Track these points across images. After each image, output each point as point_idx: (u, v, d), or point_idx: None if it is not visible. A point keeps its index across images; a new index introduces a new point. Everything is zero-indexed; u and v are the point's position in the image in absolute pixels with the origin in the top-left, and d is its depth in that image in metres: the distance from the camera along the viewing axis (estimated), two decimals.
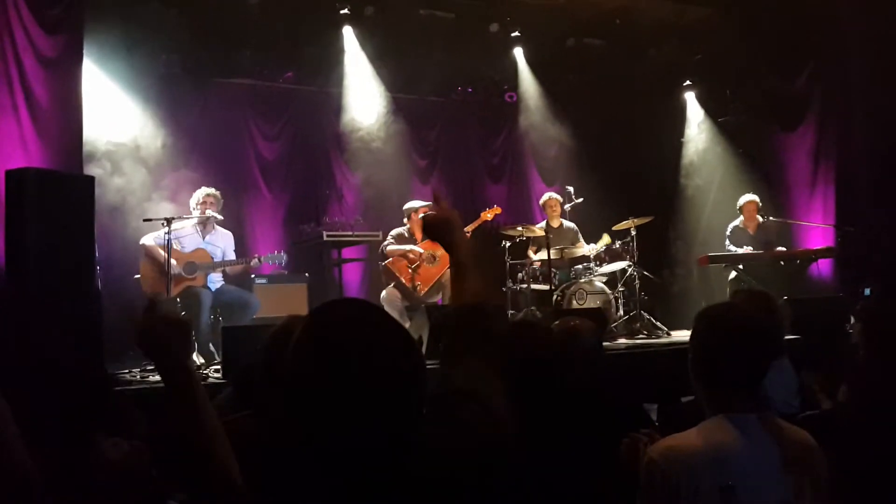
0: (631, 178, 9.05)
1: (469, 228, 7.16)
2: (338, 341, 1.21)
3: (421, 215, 6.65)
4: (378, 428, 1.18)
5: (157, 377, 4.72)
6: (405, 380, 1.22)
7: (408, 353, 1.25)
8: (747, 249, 7.67)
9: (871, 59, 7.71)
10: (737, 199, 8.14)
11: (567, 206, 7.89)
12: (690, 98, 9.65)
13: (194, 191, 6.36)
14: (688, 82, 9.58)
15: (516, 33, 8.58)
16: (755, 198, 7.93)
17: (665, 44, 9.00)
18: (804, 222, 8.34)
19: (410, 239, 7.10)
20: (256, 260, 6.30)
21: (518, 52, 8.83)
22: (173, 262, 5.72)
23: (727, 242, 7.88)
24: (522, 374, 2.40)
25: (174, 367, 1.51)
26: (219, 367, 5.00)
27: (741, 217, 7.94)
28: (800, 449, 1.92)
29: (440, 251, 7.00)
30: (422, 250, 6.99)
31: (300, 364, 1.22)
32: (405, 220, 7.20)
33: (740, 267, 7.59)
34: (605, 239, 7.52)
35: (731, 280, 7.61)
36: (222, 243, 6.33)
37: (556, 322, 3.09)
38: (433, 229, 1.85)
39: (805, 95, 8.63)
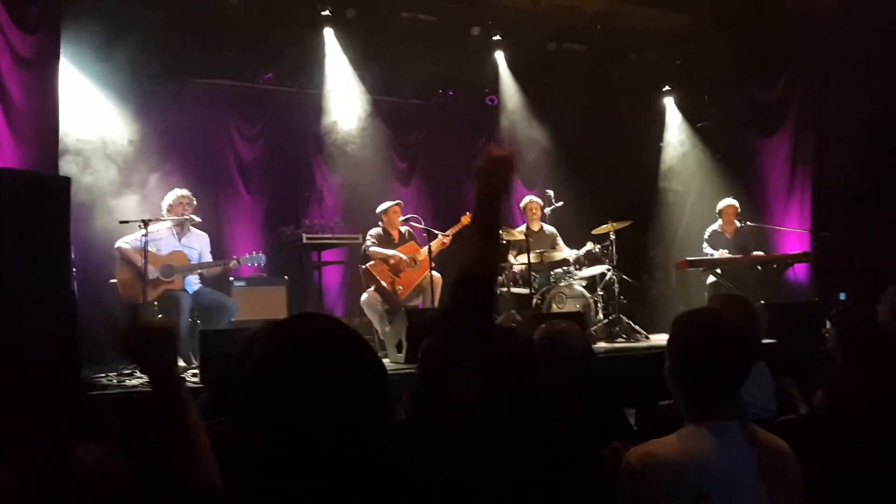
0: (611, 183, 9.10)
1: (450, 232, 7.16)
2: (295, 351, 1.22)
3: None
4: (337, 437, 1.19)
5: (135, 381, 4.72)
6: (364, 389, 1.22)
7: (366, 364, 1.25)
8: (723, 253, 7.73)
9: (847, 66, 7.81)
10: (715, 204, 8.21)
11: (547, 210, 7.92)
12: (670, 103, 9.73)
13: (171, 190, 6.30)
14: (667, 87, 9.66)
15: (497, 37, 8.61)
16: (734, 202, 8.01)
17: (645, 49, 9.08)
18: (781, 227, 8.42)
19: (388, 238, 7.10)
20: (235, 262, 6.24)
21: (499, 56, 8.86)
22: (150, 268, 5.66)
23: (704, 245, 7.94)
24: (500, 375, 2.39)
25: (160, 373, 1.53)
26: (196, 371, 4.96)
27: (720, 221, 8.01)
28: (776, 456, 1.93)
29: (421, 255, 6.99)
30: (403, 256, 6.98)
31: (257, 373, 1.23)
32: (379, 222, 7.20)
33: (718, 271, 7.66)
34: (589, 245, 7.56)
35: (710, 284, 7.67)
36: (198, 245, 6.27)
37: (543, 326, 3.08)
38: (489, 171, 1.82)
39: (783, 102, 8.73)
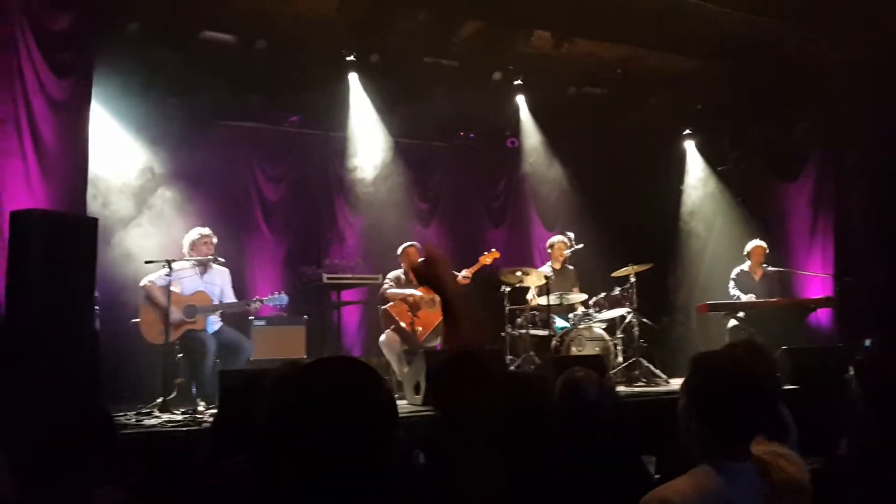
0: (631, 225, 9.10)
1: (468, 272, 7.17)
2: (304, 399, 1.28)
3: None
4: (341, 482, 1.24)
5: (153, 421, 4.74)
6: (373, 437, 1.28)
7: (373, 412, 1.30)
8: (751, 297, 7.66)
9: (867, 112, 7.81)
10: (736, 248, 8.17)
11: (567, 252, 7.92)
12: (690, 146, 9.75)
13: (192, 229, 6.39)
14: (687, 131, 9.69)
15: (519, 81, 8.71)
16: (763, 244, 7.97)
17: (665, 93, 9.14)
18: (803, 272, 8.35)
19: (408, 282, 7.12)
20: (258, 302, 6.30)
21: (520, 100, 8.96)
22: (173, 305, 5.72)
23: (731, 285, 7.87)
24: (516, 425, 2.39)
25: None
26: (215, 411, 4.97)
27: (748, 262, 7.96)
28: (790, 493, 1.94)
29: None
30: (421, 294, 7.00)
31: (267, 414, 1.30)
32: (401, 263, 7.23)
33: (740, 315, 7.60)
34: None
35: (731, 328, 7.61)
36: (220, 281, 6.33)
37: (563, 374, 3.08)
38: (420, 272, 1.88)
39: (804, 146, 8.72)
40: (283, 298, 6.35)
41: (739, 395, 1.92)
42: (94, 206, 6.17)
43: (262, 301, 6.29)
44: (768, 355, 3.63)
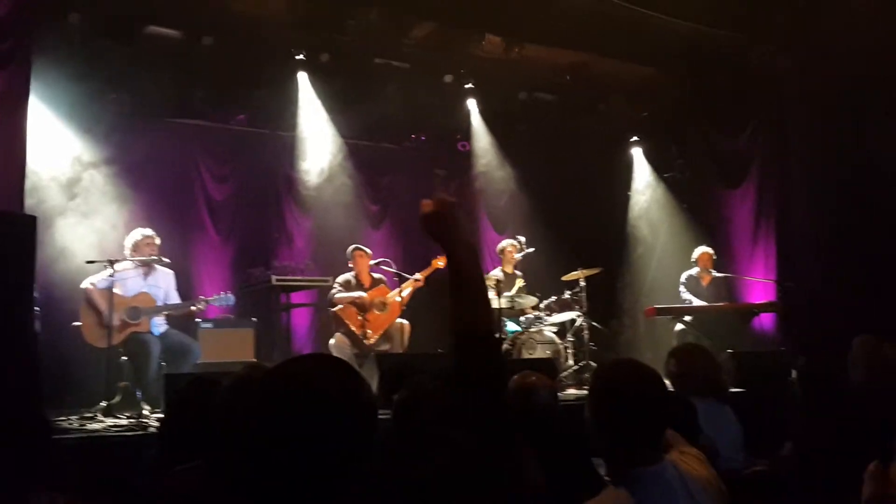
0: (580, 229, 9.20)
1: (422, 275, 7.15)
2: (292, 395, 1.24)
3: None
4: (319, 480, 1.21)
5: (96, 425, 4.60)
6: (355, 439, 1.25)
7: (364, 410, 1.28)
8: (701, 302, 7.80)
9: (809, 120, 8.04)
10: (683, 253, 8.34)
11: (518, 256, 7.95)
12: (637, 153, 9.91)
13: (134, 230, 6.22)
14: (635, 138, 9.85)
15: (470, 85, 8.74)
16: (710, 249, 8.13)
17: (613, 100, 9.27)
18: (748, 277, 8.55)
19: (358, 285, 7.06)
20: (203, 303, 6.15)
21: (471, 103, 8.97)
22: (115, 308, 5.55)
23: (682, 289, 7.99)
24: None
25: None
26: (161, 415, 4.85)
27: (696, 268, 8.10)
28: (702, 485, 1.97)
29: (390, 298, 6.96)
30: (369, 297, 6.94)
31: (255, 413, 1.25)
32: (349, 263, 7.16)
33: (686, 319, 7.74)
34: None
35: (678, 332, 7.74)
36: (164, 283, 6.16)
37: (514, 377, 3.09)
38: (431, 222, 1.72)
39: (747, 153, 8.93)
40: (230, 298, 6.22)
41: (629, 403, 1.94)
42: (31, 203, 5.94)
43: (207, 301, 6.15)
44: (710, 357, 3.72)
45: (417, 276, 7.12)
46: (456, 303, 1.67)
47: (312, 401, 1.23)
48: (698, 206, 9.33)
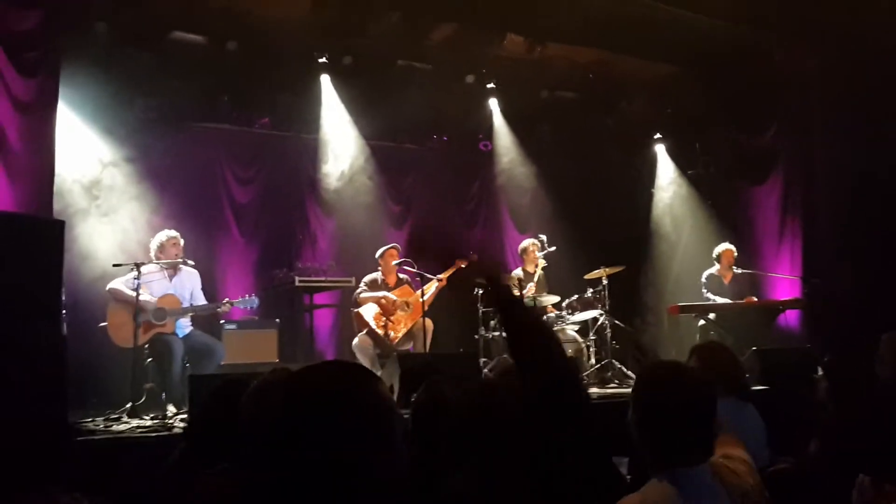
0: (603, 228, 9.17)
1: (444, 275, 7.17)
2: (313, 404, 1.26)
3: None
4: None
5: (122, 427, 4.67)
6: (375, 449, 1.26)
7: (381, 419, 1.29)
8: (724, 300, 7.74)
9: (834, 117, 7.94)
10: (706, 250, 8.26)
11: (540, 254, 7.94)
12: (661, 150, 9.85)
13: (160, 232, 6.31)
14: (658, 135, 9.79)
15: (492, 85, 8.74)
16: (732, 247, 8.06)
17: (636, 98, 9.23)
18: (772, 273, 8.47)
19: (384, 285, 7.09)
20: (227, 305, 6.22)
21: (493, 103, 8.99)
22: (144, 300, 5.64)
23: (704, 290, 7.93)
24: (492, 430, 2.38)
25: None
26: (186, 415, 4.91)
27: (717, 265, 8.04)
28: (743, 493, 1.96)
29: (412, 298, 6.99)
30: (395, 297, 6.98)
31: (275, 423, 1.27)
32: (378, 266, 7.20)
33: (710, 316, 7.67)
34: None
35: (702, 329, 7.68)
36: (190, 284, 6.24)
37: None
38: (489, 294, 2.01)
39: (772, 150, 8.84)
40: (254, 301, 6.28)
41: (679, 403, 1.95)
42: (59, 207, 6.06)
43: (232, 303, 6.22)
44: (731, 356, 3.68)
45: (440, 276, 7.14)
46: (527, 358, 1.93)
47: (332, 405, 1.25)
48: (722, 204, 9.26)
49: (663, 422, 1.96)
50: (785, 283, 8.37)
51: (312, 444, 1.22)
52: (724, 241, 8.22)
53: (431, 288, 7.11)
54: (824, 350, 6.84)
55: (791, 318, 8.05)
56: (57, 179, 5.85)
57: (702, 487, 1.90)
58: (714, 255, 8.08)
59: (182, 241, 6.22)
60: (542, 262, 7.86)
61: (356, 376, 1.32)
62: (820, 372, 6.42)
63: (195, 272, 6.31)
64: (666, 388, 2.00)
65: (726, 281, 7.98)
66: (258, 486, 1.75)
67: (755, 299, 7.88)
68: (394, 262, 7.13)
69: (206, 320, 6.39)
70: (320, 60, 7.90)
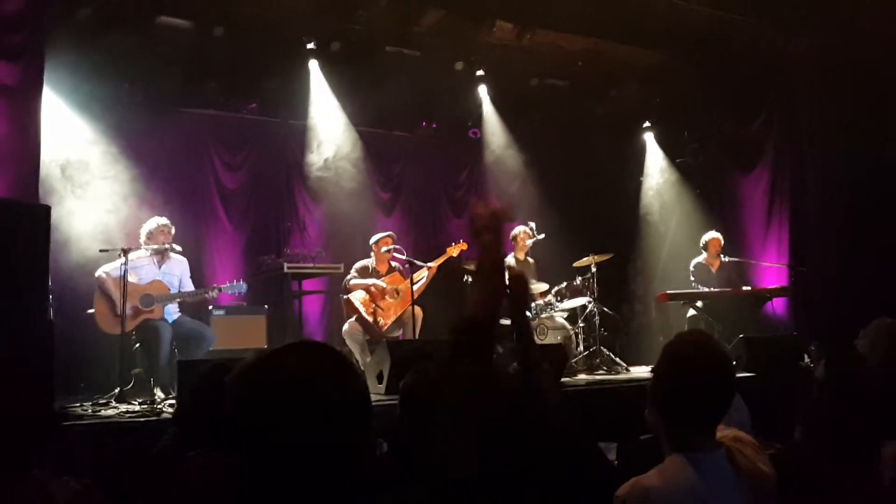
0: (592, 215, 9.19)
1: (435, 263, 7.16)
2: (273, 385, 1.23)
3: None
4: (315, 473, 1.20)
5: (109, 412, 4.65)
6: (343, 420, 1.23)
7: (349, 395, 1.26)
8: (712, 289, 7.77)
9: (822, 103, 7.97)
10: (695, 238, 8.29)
11: (529, 242, 7.94)
12: (650, 138, 9.87)
13: (150, 219, 6.27)
14: (647, 123, 9.80)
15: (481, 72, 8.72)
16: (718, 235, 8.08)
17: (625, 85, 9.23)
18: (760, 262, 8.51)
19: (374, 272, 7.08)
20: (215, 290, 6.19)
21: (482, 90, 8.96)
22: (128, 295, 5.61)
23: (692, 278, 7.96)
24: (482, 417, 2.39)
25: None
26: (174, 401, 4.90)
27: (704, 254, 8.06)
28: (759, 484, 1.97)
29: (403, 286, 6.98)
30: (385, 285, 6.97)
31: (236, 403, 1.25)
32: (371, 252, 7.17)
33: (698, 304, 7.71)
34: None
35: (690, 318, 7.71)
36: (178, 271, 6.22)
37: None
38: (484, 224, 1.94)
39: (760, 138, 8.87)
40: (242, 286, 6.25)
41: (711, 381, 1.95)
42: (44, 192, 6.00)
43: (219, 289, 6.19)
44: (715, 345, 3.68)
45: (431, 264, 7.13)
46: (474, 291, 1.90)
47: (291, 394, 1.21)
48: (711, 192, 9.30)
49: (679, 398, 1.95)
50: (772, 272, 8.42)
51: (269, 432, 1.19)
52: (712, 229, 8.25)
53: (423, 276, 7.10)
54: (811, 338, 6.90)
55: (778, 306, 8.10)
56: (42, 165, 5.79)
57: (719, 470, 1.91)
58: (701, 244, 8.11)
59: (173, 229, 6.19)
60: (528, 247, 7.85)
61: (321, 361, 1.28)
62: (806, 359, 6.49)
63: (184, 260, 6.29)
64: (686, 363, 1.98)
65: (714, 269, 8.02)
66: (236, 469, 1.75)
67: (747, 288, 7.91)
68: (383, 249, 7.09)
69: (194, 308, 6.36)
70: (308, 46, 7.85)
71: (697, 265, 8.04)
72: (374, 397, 5.44)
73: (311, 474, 1.19)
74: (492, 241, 1.94)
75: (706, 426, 1.96)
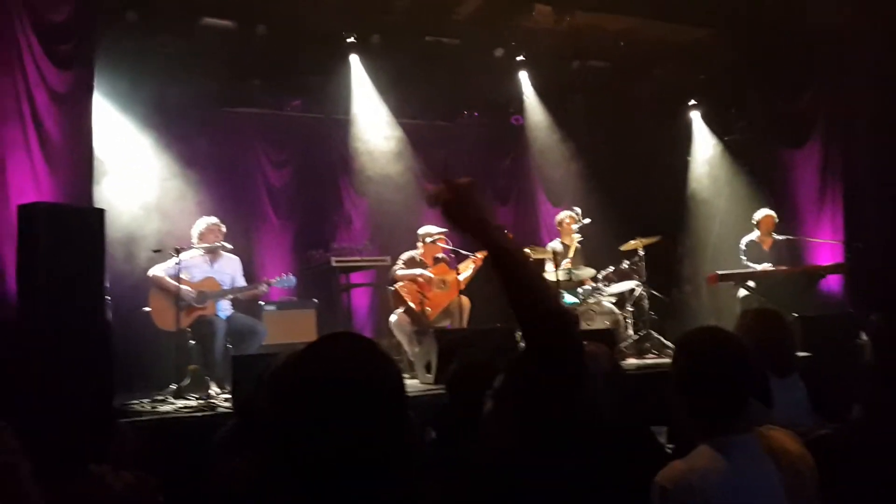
0: (638, 198, 9.05)
1: (481, 254, 7.14)
2: (312, 376, 1.24)
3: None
4: (349, 465, 1.20)
5: (167, 407, 4.79)
6: (374, 411, 1.23)
7: (378, 387, 1.26)
8: (765, 267, 7.62)
9: (873, 76, 7.72)
10: (745, 217, 8.13)
11: (575, 227, 7.88)
12: (696, 117, 9.68)
13: (200, 218, 6.40)
14: (692, 102, 9.61)
15: (521, 57, 8.66)
16: (772, 212, 7.91)
17: (669, 64, 9.07)
18: (813, 238, 8.31)
19: (421, 263, 7.11)
20: (265, 285, 6.32)
21: (523, 76, 8.90)
22: (185, 289, 5.75)
23: (743, 257, 7.82)
24: (529, 399, 2.39)
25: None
26: (229, 396, 5.02)
27: (757, 232, 7.90)
28: (793, 465, 1.98)
29: (450, 276, 7.00)
30: (432, 275, 7.00)
31: (274, 396, 1.26)
32: (418, 243, 7.19)
33: (750, 284, 7.56)
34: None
35: (742, 298, 7.58)
36: (231, 269, 6.35)
37: None
38: (452, 212, 1.67)
39: (810, 112, 8.63)
40: (291, 280, 6.36)
41: (725, 368, 1.96)
42: (101, 196, 6.18)
43: (270, 283, 6.31)
44: (781, 321, 3.59)
45: (477, 254, 7.13)
46: (509, 285, 1.64)
47: (321, 387, 1.21)
48: (761, 169, 9.07)
49: (700, 387, 1.97)
50: (826, 248, 8.20)
51: (315, 425, 1.20)
52: (763, 206, 8.07)
53: (469, 266, 7.10)
54: (868, 314, 6.71)
55: (833, 283, 7.90)
56: (95, 168, 5.95)
57: (751, 456, 1.92)
58: (753, 222, 7.94)
59: (223, 228, 6.32)
60: (577, 237, 7.79)
61: (362, 351, 1.29)
62: (863, 337, 6.32)
63: (236, 259, 6.41)
64: (704, 354, 2.01)
65: (766, 247, 7.85)
66: (273, 473, 1.78)
67: (802, 267, 7.71)
68: (428, 240, 7.08)
69: (246, 304, 6.48)
70: (348, 40, 7.90)
71: (749, 243, 7.88)
72: (422, 387, 5.52)
73: (347, 465, 1.20)
74: (477, 219, 1.66)
75: (731, 409, 1.96)
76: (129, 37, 6.89)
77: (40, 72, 5.41)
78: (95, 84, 5.91)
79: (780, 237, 7.86)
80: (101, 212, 4.85)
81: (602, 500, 2.26)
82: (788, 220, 8.36)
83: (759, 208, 8.07)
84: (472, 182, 1.70)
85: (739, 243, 7.93)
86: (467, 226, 1.65)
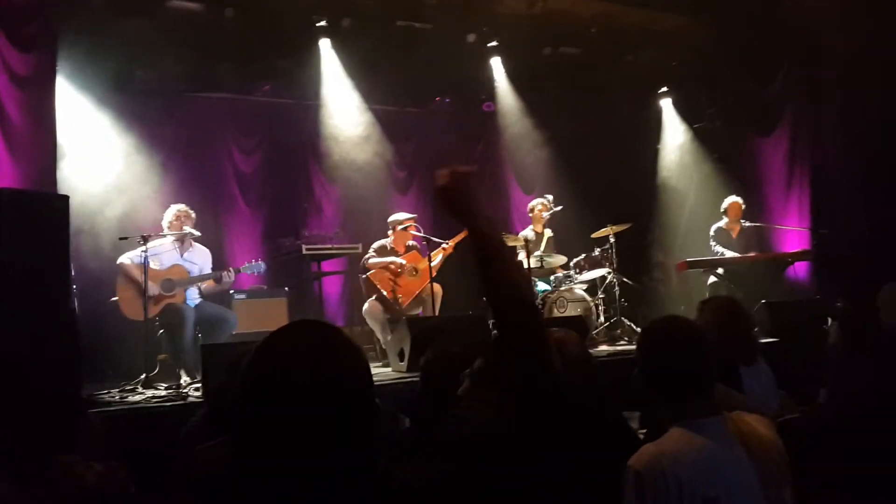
0: (609, 185, 9.09)
1: (452, 241, 7.14)
2: (279, 364, 1.24)
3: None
4: (311, 451, 1.21)
5: (136, 397, 4.72)
6: (344, 401, 1.24)
7: (348, 375, 1.26)
8: (733, 253, 7.70)
9: (843, 64, 7.81)
10: (714, 204, 8.21)
11: (546, 214, 7.90)
12: (667, 104, 9.74)
13: (171, 206, 6.31)
14: (664, 89, 9.67)
15: (493, 43, 8.62)
16: (739, 199, 8.01)
17: (641, 51, 9.10)
18: (781, 226, 8.42)
19: (393, 252, 7.08)
20: (232, 271, 6.21)
21: (495, 62, 8.86)
22: (150, 281, 5.66)
23: (713, 244, 7.90)
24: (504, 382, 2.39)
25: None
26: (199, 385, 4.96)
27: (725, 219, 7.99)
28: (761, 446, 2.02)
29: (422, 264, 6.98)
30: (404, 262, 6.97)
31: (243, 385, 1.26)
32: (389, 231, 7.15)
33: (719, 271, 7.65)
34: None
35: (711, 284, 7.67)
36: (200, 260, 6.26)
37: None
38: (447, 197, 1.68)
39: (779, 101, 8.73)
40: (261, 266, 6.28)
41: (685, 354, 2.04)
42: (64, 183, 6.05)
43: (238, 270, 6.24)
44: (740, 309, 3.62)
45: (448, 243, 7.10)
46: (488, 276, 1.70)
47: (286, 375, 1.22)
48: (730, 156, 9.17)
49: (665, 373, 2.05)
50: (793, 235, 8.32)
51: (281, 412, 1.20)
52: (732, 194, 8.16)
53: (438, 255, 7.08)
54: (834, 300, 6.83)
55: (800, 269, 8.02)
56: (59, 154, 5.83)
57: (720, 437, 1.97)
58: (721, 209, 8.03)
59: (193, 214, 6.23)
60: (545, 219, 7.80)
61: (316, 339, 1.29)
62: (830, 323, 6.43)
63: (207, 251, 6.34)
64: (663, 341, 2.11)
65: (734, 234, 7.94)
66: (246, 458, 1.75)
67: (769, 253, 7.82)
68: (400, 227, 7.06)
69: (216, 295, 6.39)
70: (319, 24, 7.79)
71: (718, 230, 7.97)
72: (396, 374, 5.50)
73: (314, 452, 1.20)
74: (469, 208, 1.68)
75: (698, 392, 2.03)
76: (93, 19, 6.72)
77: (2, 55, 5.28)
78: (59, 67, 5.78)
79: (749, 224, 7.95)
80: (65, 198, 4.75)
81: (576, 483, 2.28)
82: (757, 207, 8.46)
83: (727, 195, 8.15)
84: (473, 170, 1.71)
85: (709, 231, 8.00)
86: (458, 211, 1.68)
